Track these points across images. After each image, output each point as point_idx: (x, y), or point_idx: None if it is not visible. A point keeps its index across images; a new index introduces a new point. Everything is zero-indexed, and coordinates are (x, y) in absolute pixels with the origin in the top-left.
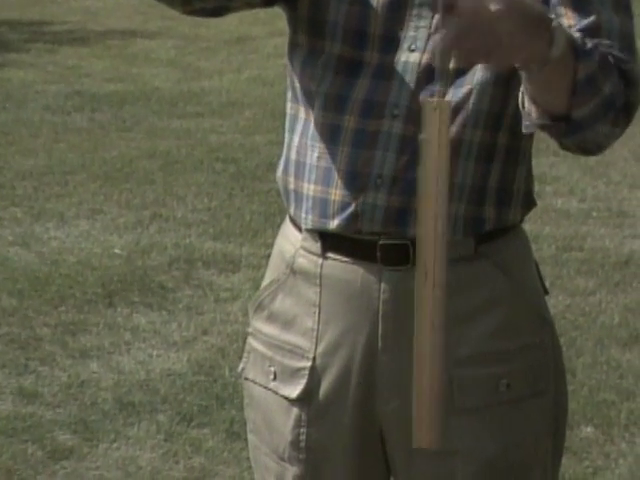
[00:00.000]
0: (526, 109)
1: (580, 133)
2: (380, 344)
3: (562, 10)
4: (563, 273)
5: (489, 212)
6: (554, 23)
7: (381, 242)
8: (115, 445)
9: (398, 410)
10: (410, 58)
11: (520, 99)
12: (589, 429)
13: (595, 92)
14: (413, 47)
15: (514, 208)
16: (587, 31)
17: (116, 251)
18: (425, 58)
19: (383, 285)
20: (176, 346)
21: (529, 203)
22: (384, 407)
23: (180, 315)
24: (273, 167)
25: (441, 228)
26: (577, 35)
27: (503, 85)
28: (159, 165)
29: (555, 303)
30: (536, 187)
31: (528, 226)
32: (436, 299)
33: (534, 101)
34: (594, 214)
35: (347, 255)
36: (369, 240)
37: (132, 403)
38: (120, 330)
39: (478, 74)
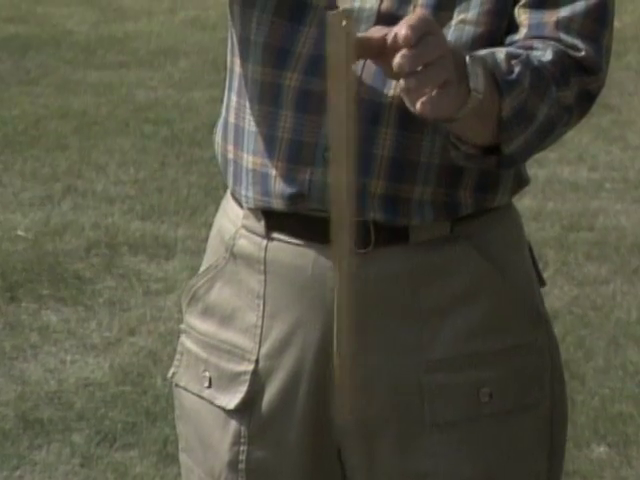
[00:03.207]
0: (451, 140)
1: (515, 164)
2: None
3: (521, 16)
4: (570, 258)
5: (465, 197)
6: (469, 61)
7: None
8: (18, 473)
9: (359, 423)
10: (366, 4)
11: (446, 129)
12: (602, 448)
13: (527, 123)
14: None
15: (500, 193)
16: (540, 29)
17: (19, 233)
18: (385, 5)
19: None
20: (95, 350)
21: (519, 184)
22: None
23: (101, 312)
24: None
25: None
26: (505, 52)
27: (482, 41)
28: (73, 127)
29: (560, 294)
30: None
31: (527, 201)
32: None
33: (457, 136)
34: (607, 186)
35: (296, 236)
36: (321, 217)
37: (40, 421)
38: (25, 330)
39: (445, 31)
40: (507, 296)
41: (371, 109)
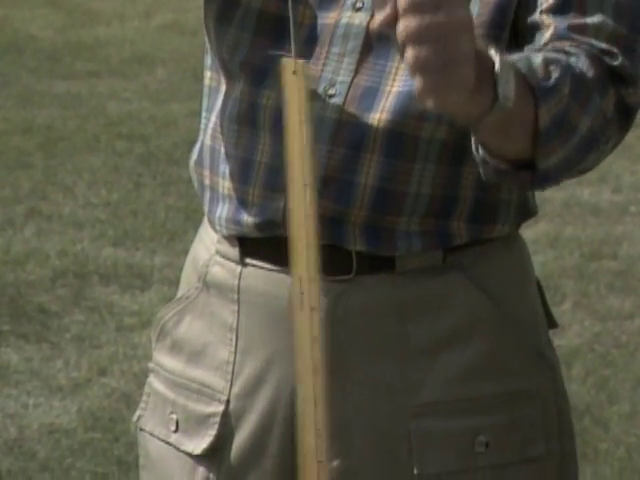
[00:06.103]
0: (480, 155)
1: (551, 182)
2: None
3: (544, 21)
4: (591, 290)
5: (459, 227)
6: (498, 64)
7: None
8: None
9: (340, 472)
10: (354, 19)
11: (473, 143)
12: None
13: (568, 135)
14: (359, 5)
15: (500, 224)
16: (568, 32)
17: None
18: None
19: None
20: (62, 392)
21: (524, 214)
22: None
23: (68, 349)
24: None
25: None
26: (541, 57)
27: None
28: (37, 143)
29: (580, 330)
30: None
31: (543, 226)
32: (314, 326)
33: (487, 149)
34: (632, 209)
35: (271, 262)
36: None
37: None
38: None
39: None
40: (507, 335)
41: (355, 133)
